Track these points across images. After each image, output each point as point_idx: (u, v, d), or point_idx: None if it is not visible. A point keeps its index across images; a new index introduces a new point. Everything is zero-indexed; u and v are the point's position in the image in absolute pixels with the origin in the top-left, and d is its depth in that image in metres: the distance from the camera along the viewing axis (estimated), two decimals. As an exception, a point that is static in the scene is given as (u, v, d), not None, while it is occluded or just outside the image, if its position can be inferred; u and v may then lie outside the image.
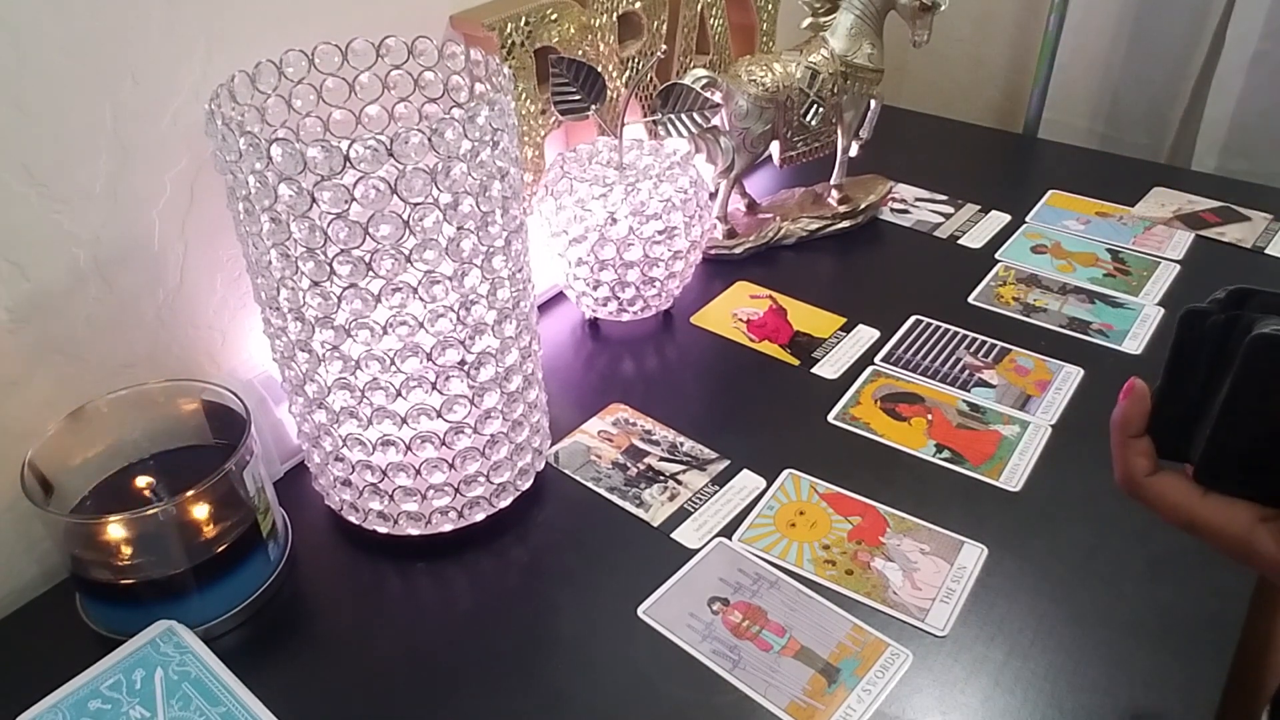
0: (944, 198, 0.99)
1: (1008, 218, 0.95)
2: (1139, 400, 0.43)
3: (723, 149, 0.85)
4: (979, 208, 0.97)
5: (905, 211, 0.97)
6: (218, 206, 0.54)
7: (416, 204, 0.49)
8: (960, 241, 0.92)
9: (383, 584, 0.60)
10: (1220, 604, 0.55)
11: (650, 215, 0.73)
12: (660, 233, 0.74)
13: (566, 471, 0.67)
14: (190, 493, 0.52)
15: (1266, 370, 0.40)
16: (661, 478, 0.66)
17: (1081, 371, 0.74)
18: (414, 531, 0.60)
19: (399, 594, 0.59)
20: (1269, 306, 0.41)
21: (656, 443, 0.69)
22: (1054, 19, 1.17)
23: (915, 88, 1.43)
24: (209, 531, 0.55)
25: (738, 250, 0.90)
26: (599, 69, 0.73)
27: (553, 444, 0.68)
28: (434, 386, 0.55)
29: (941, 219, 0.96)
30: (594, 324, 0.83)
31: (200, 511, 0.54)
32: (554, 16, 0.74)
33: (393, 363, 0.53)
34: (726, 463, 0.67)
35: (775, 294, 0.85)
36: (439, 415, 0.56)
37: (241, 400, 0.57)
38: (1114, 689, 0.51)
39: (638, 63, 0.84)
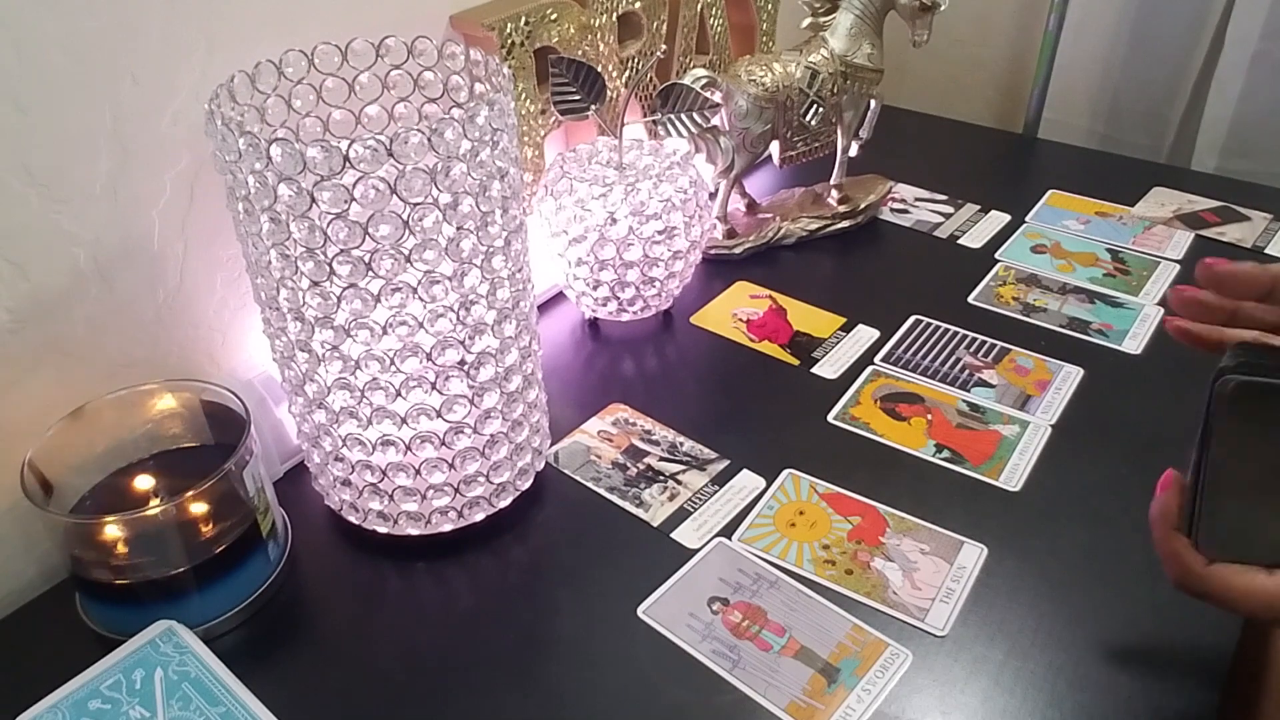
0: (944, 198, 0.99)
1: (1007, 217, 0.95)
2: (1178, 491, 0.41)
3: (723, 149, 0.85)
4: (979, 208, 0.97)
5: (905, 211, 0.97)
6: (218, 206, 0.54)
7: (416, 204, 0.49)
8: (960, 241, 0.92)
9: (383, 584, 0.60)
10: (1220, 604, 0.55)
11: (650, 215, 0.73)
12: (660, 233, 0.74)
13: (566, 471, 0.67)
14: (190, 493, 0.52)
15: (1235, 418, 0.37)
16: (661, 478, 0.66)
17: (1081, 371, 0.74)
18: (414, 531, 0.60)
19: (399, 594, 0.60)
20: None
21: (656, 443, 0.69)
22: (1054, 19, 1.17)
23: (915, 88, 1.43)
24: (209, 531, 0.55)
25: (738, 250, 0.90)
26: (599, 69, 0.73)
27: (552, 444, 0.68)
28: (434, 386, 0.55)
29: (941, 219, 0.96)
30: (594, 324, 0.83)
31: (200, 511, 0.54)
32: (554, 16, 0.74)
33: (392, 363, 0.53)
34: (726, 463, 0.67)
35: (775, 294, 0.85)
36: (439, 415, 0.56)
37: (241, 400, 0.57)
38: (1114, 689, 0.51)
39: (638, 63, 0.84)
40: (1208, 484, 0.38)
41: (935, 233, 0.94)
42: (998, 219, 0.95)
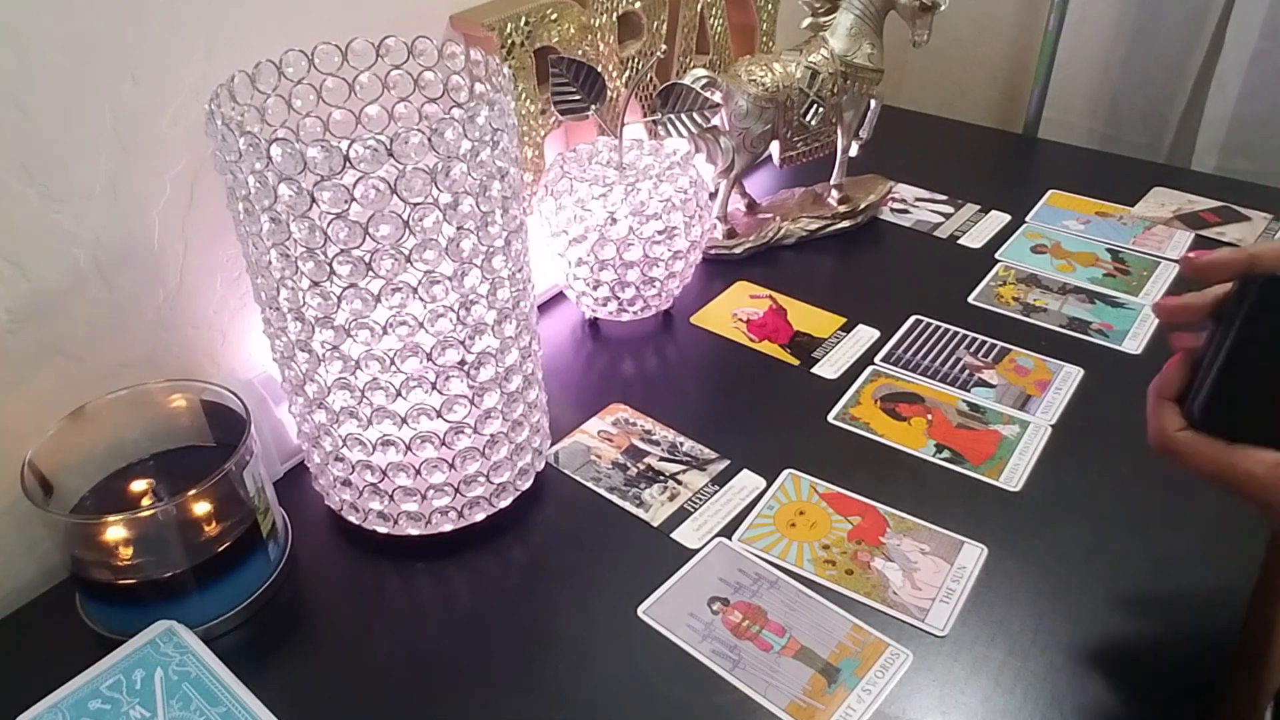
0: (944, 198, 0.99)
1: (1008, 217, 0.95)
2: (1179, 366, 0.46)
3: (723, 149, 0.85)
4: (979, 208, 0.97)
5: (905, 211, 0.97)
6: (218, 206, 0.54)
7: (416, 204, 0.49)
8: (960, 241, 0.92)
9: (383, 584, 0.60)
10: (1220, 604, 0.55)
11: (650, 215, 0.73)
12: (660, 233, 0.74)
13: (566, 471, 0.67)
14: (190, 493, 0.52)
15: (1261, 307, 0.42)
16: (661, 478, 0.66)
17: (1081, 371, 0.74)
18: (414, 531, 0.60)
19: (399, 594, 0.60)
20: None
21: (656, 443, 0.69)
22: (1054, 19, 1.17)
23: (915, 88, 1.43)
24: (209, 531, 0.55)
25: (738, 250, 0.90)
26: (599, 69, 0.73)
27: (553, 444, 0.68)
28: (434, 386, 0.55)
29: (941, 219, 0.96)
30: (594, 324, 0.83)
31: (200, 511, 0.54)
32: (554, 16, 0.74)
33: (393, 363, 0.53)
34: (726, 463, 0.67)
35: (775, 294, 0.85)
36: (439, 415, 0.56)
37: (241, 400, 0.57)
38: (1114, 689, 0.51)
39: (638, 63, 0.84)
40: (1215, 363, 0.44)
41: (935, 233, 0.94)
42: (998, 219, 0.95)
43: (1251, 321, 0.43)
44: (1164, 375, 0.47)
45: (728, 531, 0.61)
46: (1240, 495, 0.43)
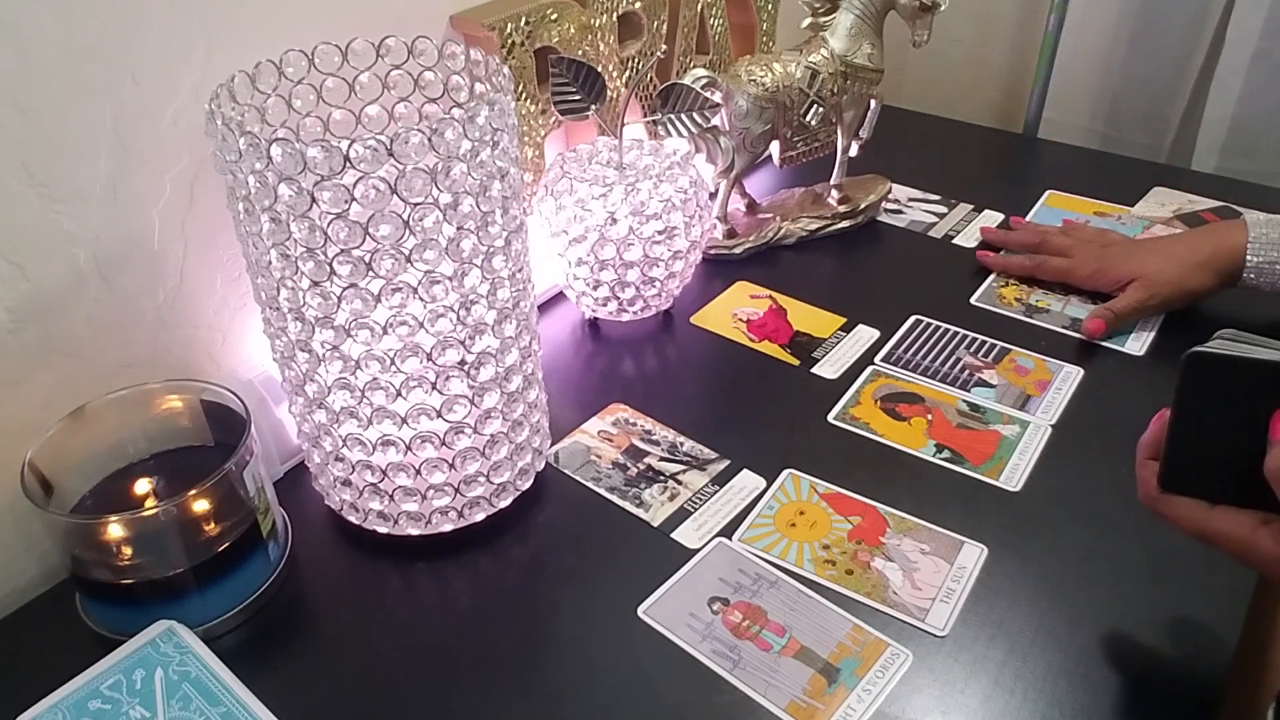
0: (937, 198, 0.99)
1: (1000, 217, 0.95)
2: (1161, 428, 0.48)
3: (723, 149, 0.85)
4: (971, 207, 0.97)
5: (899, 212, 0.97)
6: (218, 206, 0.54)
7: (416, 204, 0.49)
8: (955, 241, 0.92)
9: (383, 584, 0.60)
10: (1220, 604, 0.55)
11: (650, 215, 0.73)
12: (660, 233, 0.74)
13: (566, 471, 0.67)
14: (190, 493, 0.52)
15: (1198, 383, 0.44)
16: (661, 478, 0.66)
17: (1082, 371, 0.74)
18: (414, 531, 0.60)
19: (399, 594, 0.60)
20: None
21: (656, 443, 0.69)
22: (1054, 19, 1.17)
23: (915, 88, 1.43)
24: (209, 531, 0.55)
25: (738, 250, 0.90)
26: (599, 69, 0.73)
27: (553, 444, 0.68)
28: (434, 386, 0.55)
29: (935, 219, 0.96)
30: (594, 324, 0.83)
31: (200, 511, 0.54)
32: (554, 16, 0.74)
33: (393, 363, 0.53)
34: (726, 463, 0.67)
35: (775, 294, 0.85)
36: (439, 415, 0.56)
37: (241, 400, 0.57)
38: (1114, 689, 0.51)
39: (638, 63, 0.84)
40: (1170, 434, 0.46)
41: (930, 233, 0.94)
42: (992, 219, 0.95)
43: (1184, 394, 0.45)
44: (1148, 434, 0.49)
45: (728, 531, 0.61)
46: (1223, 553, 0.45)
